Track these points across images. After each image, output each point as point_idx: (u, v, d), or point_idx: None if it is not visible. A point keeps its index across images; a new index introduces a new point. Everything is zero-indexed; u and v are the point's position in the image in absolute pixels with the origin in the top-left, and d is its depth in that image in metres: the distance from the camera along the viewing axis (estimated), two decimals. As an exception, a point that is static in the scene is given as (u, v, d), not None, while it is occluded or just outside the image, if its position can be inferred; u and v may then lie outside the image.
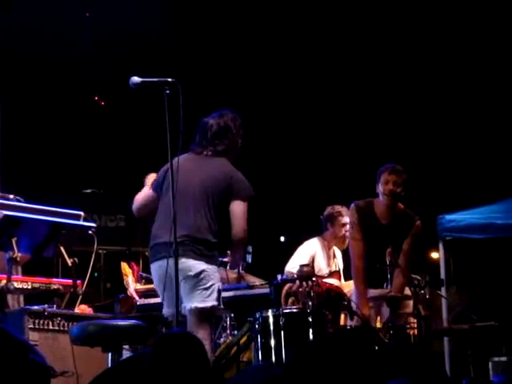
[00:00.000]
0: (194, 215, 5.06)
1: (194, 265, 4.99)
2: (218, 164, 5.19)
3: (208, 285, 5.02)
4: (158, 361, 2.90)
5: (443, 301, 7.71)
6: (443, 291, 7.54)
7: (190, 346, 2.97)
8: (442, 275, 7.97)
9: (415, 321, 6.01)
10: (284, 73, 10.01)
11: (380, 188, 6.11)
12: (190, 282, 4.99)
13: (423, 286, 6.49)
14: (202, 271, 5.01)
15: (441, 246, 8.18)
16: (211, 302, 5.04)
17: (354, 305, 5.78)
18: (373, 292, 6.06)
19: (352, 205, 6.23)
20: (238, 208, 5.11)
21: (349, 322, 5.92)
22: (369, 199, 6.22)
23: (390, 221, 6.14)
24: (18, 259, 5.36)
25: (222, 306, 5.15)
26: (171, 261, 4.67)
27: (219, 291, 5.11)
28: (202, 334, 4.86)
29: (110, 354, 4.91)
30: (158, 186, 5.27)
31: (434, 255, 8.93)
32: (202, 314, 5.01)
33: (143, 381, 2.89)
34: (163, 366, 2.88)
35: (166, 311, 4.98)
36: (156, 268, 5.16)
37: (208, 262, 5.04)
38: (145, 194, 5.40)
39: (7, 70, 9.01)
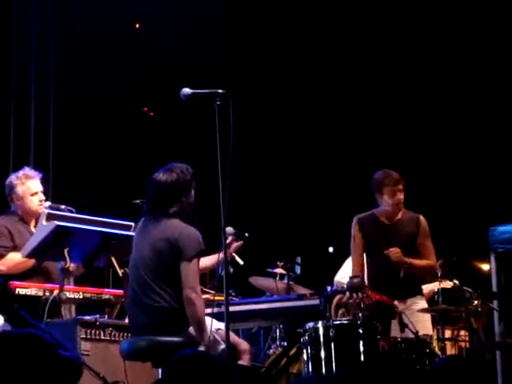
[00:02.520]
0: (155, 288, 4.91)
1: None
2: (166, 228, 4.93)
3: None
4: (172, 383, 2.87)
5: (495, 313, 7.59)
6: (495, 304, 7.43)
7: (206, 367, 2.93)
8: (494, 288, 7.84)
9: (467, 334, 5.94)
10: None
11: (386, 199, 6.04)
12: None
13: (475, 299, 6.43)
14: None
15: (492, 258, 8.05)
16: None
17: (404, 317, 5.72)
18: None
19: (354, 218, 6.19)
20: (184, 269, 4.85)
21: (399, 334, 5.86)
22: (369, 212, 6.18)
23: (394, 221, 6.11)
24: (70, 269, 5.42)
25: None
26: None
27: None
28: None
29: (160, 369, 4.93)
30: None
31: (485, 267, 8.79)
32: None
33: None
34: None
35: None
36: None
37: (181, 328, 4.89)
38: None
39: (59, 83, 9.14)
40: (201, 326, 4.85)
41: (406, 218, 6.13)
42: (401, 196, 6.07)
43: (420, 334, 5.68)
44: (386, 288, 5.82)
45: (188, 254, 4.86)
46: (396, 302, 5.86)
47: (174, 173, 5.02)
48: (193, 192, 5.06)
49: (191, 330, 4.89)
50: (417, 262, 6.00)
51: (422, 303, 6.06)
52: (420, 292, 6.16)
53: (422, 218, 6.13)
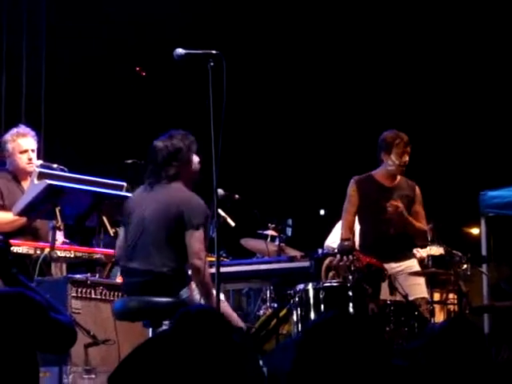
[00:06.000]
0: (151, 250, 4.90)
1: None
2: (169, 192, 4.95)
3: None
4: (178, 338, 2.87)
5: (484, 277, 7.66)
6: (484, 268, 7.50)
7: (213, 322, 2.93)
8: (484, 252, 7.91)
9: (456, 297, 6.00)
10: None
11: (393, 159, 6.03)
12: None
13: (464, 263, 6.48)
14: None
15: (483, 223, 8.11)
16: None
17: (394, 280, 5.77)
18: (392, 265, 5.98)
19: (351, 180, 6.18)
20: (189, 237, 4.84)
21: (389, 297, 5.91)
22: (367, 173, 6.18)
23: (394, 184, 6.12)
24: (62, 228, 5.42)
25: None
26: None
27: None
28: None
29: (150, 329, 4.96)
30: (126, 222, 5.09)
31: (475, 231, 8.85)
32: None
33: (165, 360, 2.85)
34: (183, 343, 2.84)
35: None
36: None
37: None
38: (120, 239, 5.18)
39: (51, 42, 9.06)
40: (208, 291, 4.85)
41: (403, 182, 6.15)
42: (407, 158, 6.06)
43: (417, 297, 5.73)
44: (380, 249, 5.84)
45: (194, 223, 4.84)
46: (390, 265, 5.90)
47: (172, 139, 5.04)
48: (192, 158, 5.07)
49: (182, 292, 4.91)
50: (414, 221, 6.02)
51: (417, 267, 6.08)
52: (413, 255, 6.19)
53: (416, 185, 6.17)
